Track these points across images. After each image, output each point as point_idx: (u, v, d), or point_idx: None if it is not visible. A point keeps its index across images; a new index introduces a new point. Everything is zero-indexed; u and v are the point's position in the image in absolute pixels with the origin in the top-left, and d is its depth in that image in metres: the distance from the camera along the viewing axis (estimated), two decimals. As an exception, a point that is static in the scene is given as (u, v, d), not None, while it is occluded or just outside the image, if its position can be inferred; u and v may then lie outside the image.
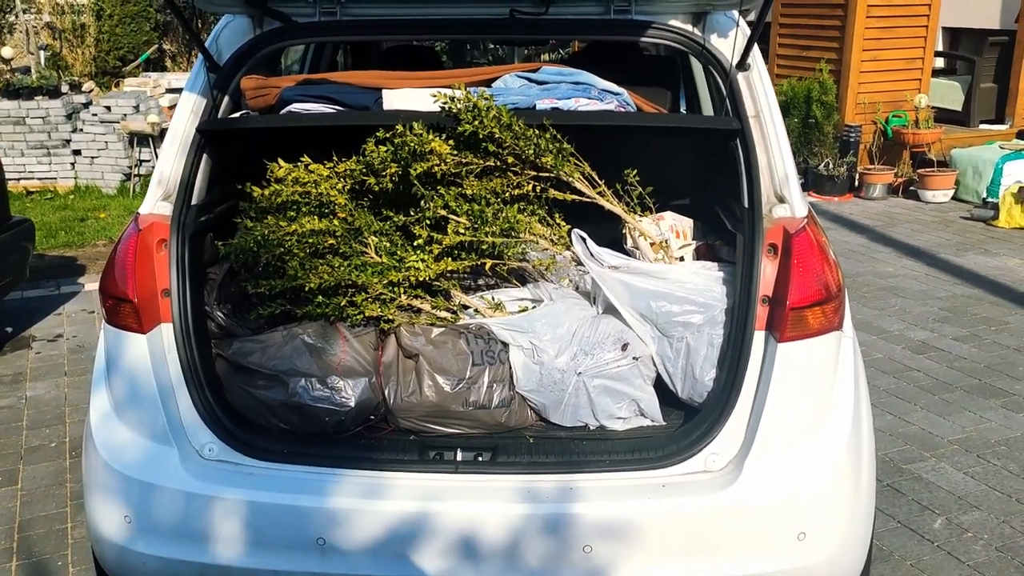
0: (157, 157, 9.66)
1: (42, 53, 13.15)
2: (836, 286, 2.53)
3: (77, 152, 10.01)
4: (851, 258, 7.34)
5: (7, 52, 11.04)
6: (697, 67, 4.14)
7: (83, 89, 10.67)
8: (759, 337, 2.51)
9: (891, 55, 9.55)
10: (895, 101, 9.61)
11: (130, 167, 9.90)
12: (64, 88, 10.34)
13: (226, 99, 2.90)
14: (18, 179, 9.94)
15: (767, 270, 2.52)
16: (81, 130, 9.98)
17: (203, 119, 2.81)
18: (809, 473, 2.44)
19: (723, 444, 2.49)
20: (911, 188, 9.30)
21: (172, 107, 10.36)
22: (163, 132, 9.70)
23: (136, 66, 14.29)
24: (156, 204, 2.74)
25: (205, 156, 2.81)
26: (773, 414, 2.46)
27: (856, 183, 9.37)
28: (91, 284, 6.98)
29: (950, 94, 10.50)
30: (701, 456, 2.49)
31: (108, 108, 9.90)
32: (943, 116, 9.96)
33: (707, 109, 4.04)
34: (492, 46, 12.10)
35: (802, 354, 2.48)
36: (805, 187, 9.31)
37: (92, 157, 10.00)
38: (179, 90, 11.36)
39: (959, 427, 4.53)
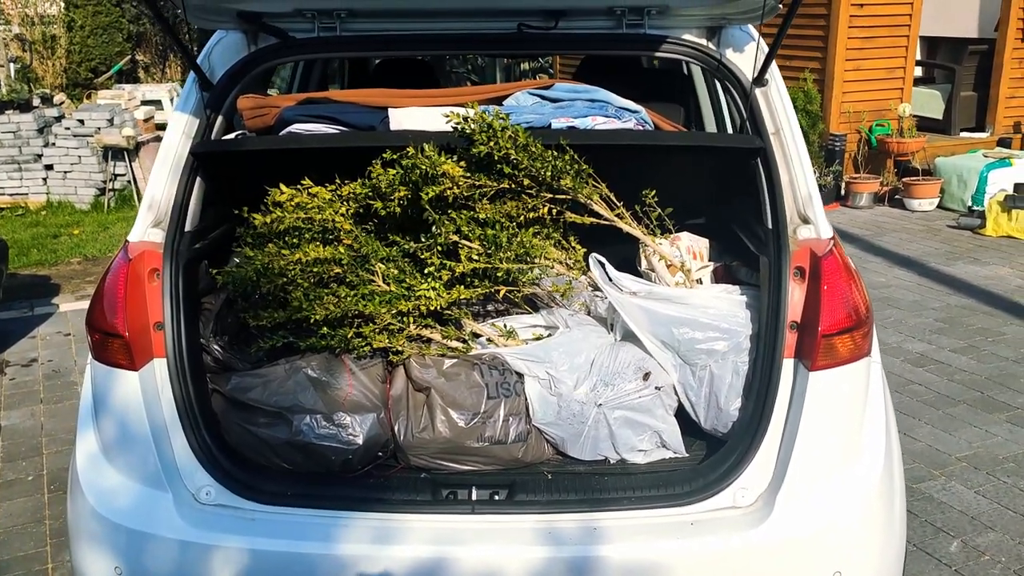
0: (132, 171, 9.53)
1: (12, 66, 12.88)
2: (866, 310, 2.43)
3: (49, 167, 9.78)
4: (842, 269, 7.27)
5: (-25, 65, 10.75)
6: (699, 80, 4.05)
7: (54, 101, 10.42)
8: (788, 365, 2.40)
9: (874, 64, 9.55)
10: (879, 110, 9.60)
11: (104, 182, 9.67)
12: (35, 101, 10.10)
13: (220, 119, 2.75)
14: (-13, 195, 9.71)
15: (794, 294, 2.41)
16: (53, 144, 9.75)
17: (195, 140, 2.66)
18: (843, 507, 2.33)
19: (752, 478, 2.37)
20: (896, 197, 9.28)
21: (148, 120, 10.17)
22: (139, 146, 9.49)
23: (108, 77, 14.05)
24: (147, 231, 2.58)
25: (199, 179, 2.65)
26: (805, 446, 2.35)
27: (842, 192, 9.34)
28: (66, 304, 6.77)
29: (930, 103, 10.51)
30: (730, 491, 2.37)
31: (81, 122, 9.68)
32: (924, 124, 9.96)
33: (709, 123, 3.94)
34: (475, 58, 11.99)
35: (834, 383, 2.37)
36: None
37: (65, 172, 9.77)
38: (154, 102, 11.16)
39: (966, 443, 4.45)
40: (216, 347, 2.59)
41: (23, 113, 9.71)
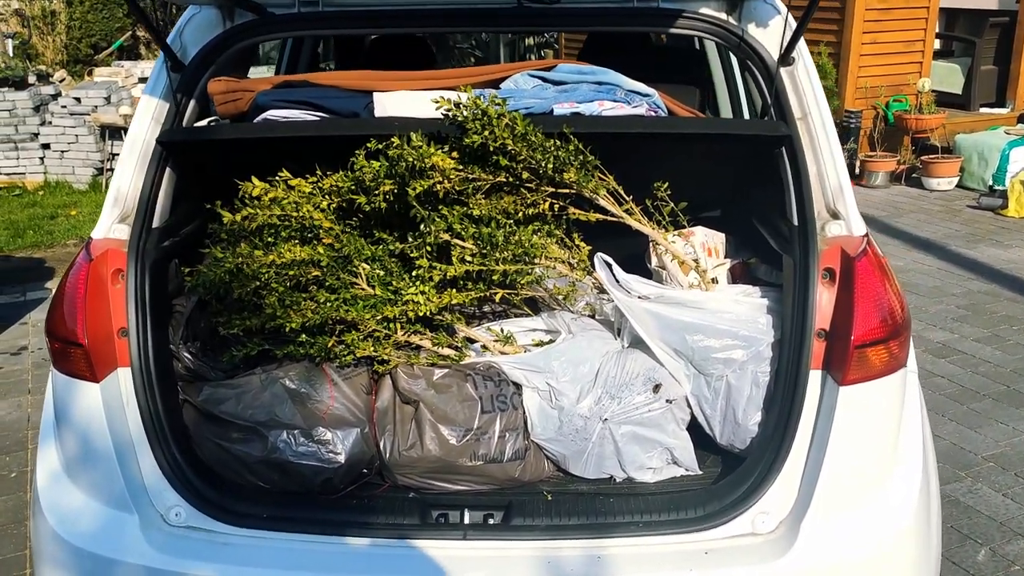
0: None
1: (10, 42, 12.62)
2: (903, 316, 2.20)
3: (46, 146, 9.56)
4: (859, 252, 7.03)
5: (-31, 42, 10.52)
6: (713, 58, 3.79)
7: (54, 78, 10.20)
8: (815, 377, 2.17)
9: (891, 37, 9.23)
10: (896, 85, 9.29)
11: (102, 161, 9.45)
12: (31, 79, 9.87)
13: (192, 104, 2.52)
14: (-16, 175, 9.51)
15: (823, 299, 2.18)
16: (50, 123, 9.53)
17: (165, 127, 2.43)
18: (875, 537, 2.11)
19: (774, 502, 2.16)
20: (914, 175, 9.00)
21: (145, 98, 9.92)
22: (135, 125, 9.25)
23: (109, 54, 13.79)
24: (112, 227, 2.36)
25: (168, 170, 2.43)
26: (834, 468, 2.12)
27: (857, 171, 9.06)
28: (59, 290, 6.58)
29: (950, 77, 10.20)
30: (748, 516, 2.15)
31: (78, 100, 9.45)
32: (943, 100, 9.65)
33: (724, 107, 3.68)
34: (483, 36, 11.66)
35: (867, 398, 2.14)
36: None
37: (62, 151, 9.56)
38: (152, 80, 10.91)
39: (992, 441, 4.23)
40: (187, 355, 2.38)
41: (19, 91, 9.49)
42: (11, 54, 11.51)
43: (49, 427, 2.35)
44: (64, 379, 2.27)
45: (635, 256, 2.66)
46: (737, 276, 2.65)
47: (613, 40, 3.36)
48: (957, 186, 8.78)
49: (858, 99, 9.20)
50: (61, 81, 10.83)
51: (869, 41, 9.13)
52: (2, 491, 3.98)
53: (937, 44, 10.49)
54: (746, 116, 3.49)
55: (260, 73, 4.27)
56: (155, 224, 2.37)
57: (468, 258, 2.26)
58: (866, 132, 9.28)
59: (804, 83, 2.42)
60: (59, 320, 2.25)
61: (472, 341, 2.43)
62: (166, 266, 2.42)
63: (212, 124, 2.50)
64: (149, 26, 2.36)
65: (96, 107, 9.35)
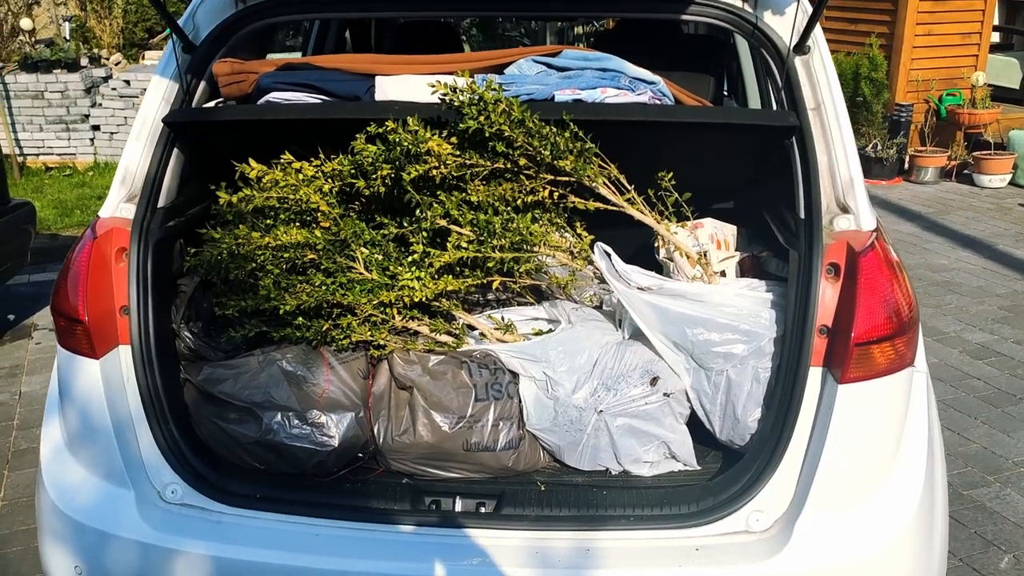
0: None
1: (67, 24, 12.87)
2: (909, 314, 2.12)
3: (96, 127, 9.75)
4: (901, 249, 6.86)
5: (26, 24, 10.75)
6: (743, 46, 3.71)
7: (110, 62, 10.38)
8: (815, 374, 2.11)
9: (946, 29, 8.97)
10: (950, 79, 9.03)
11: (149, 143, 9.60)
12: (83, 61, 10.07)
13: (202, 85, 2.53)
14: (37, 155, 9.75)
15: (826, 294, 2.12)
16: (100, 105, 9.71)
17: (175, 107, 2.45)
18: (871, 541, 2.05)
19: (769, 500, 2.11)
20: (965, 172, 8.75)
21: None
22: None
23: (164, 38, 13.98)
24: (119, 206, 2.39)
25: (176, 151, 2.45)
26: (830, 467, 2.07)
27: (906, 166, 8.84)
28: (101, 268, 6.70)
29: (1007, 71, 9.89)
30: (742, 513, 2.11)
31: (127, 82, 9.62)
32: (999, 95, 9.35)
33: (752, 97, 3.60)
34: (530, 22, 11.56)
35: (867, 397, 2.08)
36: (851, 170, 8.80)
37: (111, 133, 9.74)
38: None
39: (1025, 446, 4.10)
40: (188, 334, 2.39)
41: (71, 73, 9.68)
42: (68, 37, 11.74)
43: (54, 404, 2.39)
44: (67, 355, 2.31)
45: (647, 248, 2.62)
46: (747, 269, 2.59)
47: (631, 25, 3.30)
48: (1010, 184, 8.53)
49: (910, 92, 8.97)
50: (116, 64, 11.00)
51: (923, 33, 8.89)
52: (30, 463, 4.08)
53: (996, 37, 10.17)
54: (774, 107, 3.41)
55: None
56: (161, 204, 2.39)
57: (464, 245, 2.23)
58: (917, 127, 9.04)
59: (819, 72, 2.35)
60: (63, 297, 2.29)
61: (472, 328, 2.42)
62: (171, 246, 2.44)
63: (219, 105, 2.51)
64: (159, 7, 2.38)
65: (144, 90, 9.49)
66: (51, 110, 9.67)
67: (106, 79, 9.87)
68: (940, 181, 8.73)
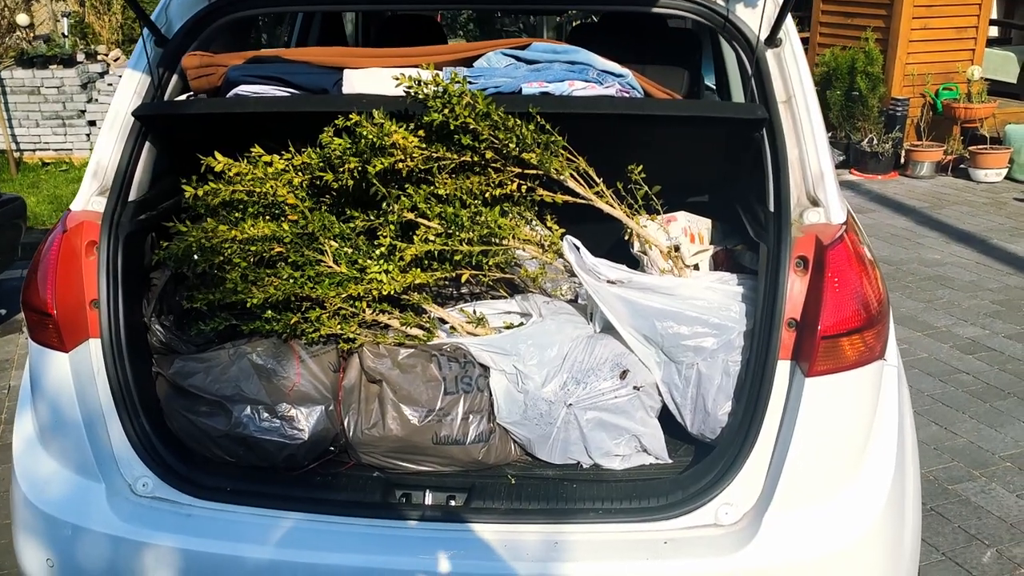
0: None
1: (65, 20, 12.86)
2: (878, 307, 2.12)
3: (92, 123, 9.76)
4: (895, 243, 6.85)
5: (22, 19, 10.74)
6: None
7: (109, 57, 10.36)
8: (783, 368, 2.11)
9: (942, 23, 8.93)
10: (946, 73, 8.99)
11: (144, 139, 9.61)
12: (80, 57, 10.07)
13: (174, 79, 2.53)
14: (33, 150, 9.77)
15: (795, 288, 2.11)
16: (96, 100, 9.73)
17: (146, 101, 2.45)
18: (839, 534, 2.04)
19: (738, 493, 2.11)
20: (961, 166, 8.72)
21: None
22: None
23: (162, 34, 13.95)
24: (90, 200, 2.39)
25: (148, 145, 2.44)
26: (799, 460, 2.06)
27: (902, 160, 8.82)
28: (92, 263, 6.71)
29: (1004, 65, 9.85)
30: (711, 507, 2.10)
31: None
32: (996, 89, 9.32)
33: (736, 92, 3.59)
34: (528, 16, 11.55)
35: (835, 390, 2.07)
36: (846, 164, 8.79)
37: (107, 128, 9.72)
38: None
39: (1012, 440, 4.09)
40: (159, 328, 2.39)
41: (67, 68, 9.70)
42: (66, 32, 11.73)
43: (26, 397, 2.39)
44: (37, 348, 2.31)
45: (623, 244, 2.60)
46: (721, 263, 2.59)
47: (611, 21, 3.28)
48: (1006, 178, 8.50)
49: (905, 87, 8.94)
50: (115, 60, 10.99)
51: (919, 27, 8.85)
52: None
53: (994, 31, 10.13)
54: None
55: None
56: (132, 197, 2.38)
57: (431, 238, 2.23)
58: (913, 121, 9.02)
59: (790, 65, 2.33)
60: (32, 290, 2.29)
61: (443, 322, 2.41)
62: (142, 239, 2.44)
63: (189, 99, 2.50)
64: (131, 2, 2.37)
65: (140, 85, 9.50)
66: (47, 106, 9.68)
67: (102, 75, 9.89)
68: (936, 176, 8.71)
